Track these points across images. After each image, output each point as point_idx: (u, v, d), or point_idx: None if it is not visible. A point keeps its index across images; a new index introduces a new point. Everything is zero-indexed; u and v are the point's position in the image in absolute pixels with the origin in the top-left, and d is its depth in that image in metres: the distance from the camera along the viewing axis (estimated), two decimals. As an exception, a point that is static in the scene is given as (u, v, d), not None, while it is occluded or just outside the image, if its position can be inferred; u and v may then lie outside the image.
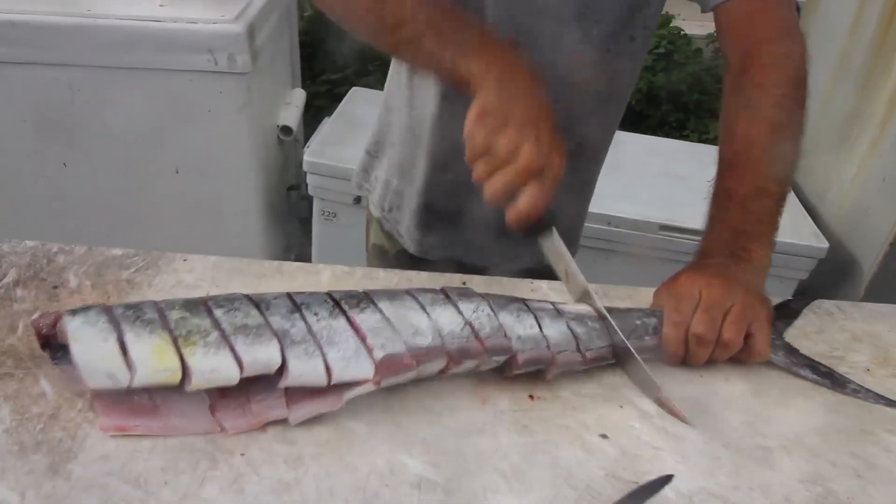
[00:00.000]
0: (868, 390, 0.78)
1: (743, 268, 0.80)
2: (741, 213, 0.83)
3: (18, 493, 0.56)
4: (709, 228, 0.86)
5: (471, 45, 0.77)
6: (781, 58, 0.87)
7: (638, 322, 0.79)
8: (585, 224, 1.21)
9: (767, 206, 0.84)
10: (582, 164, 1.05)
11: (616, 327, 0.76)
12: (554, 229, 0.79)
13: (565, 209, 0.81)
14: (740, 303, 0.77)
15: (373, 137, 1.15)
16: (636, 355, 0.74)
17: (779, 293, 0.90)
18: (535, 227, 0.78)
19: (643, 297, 0.88)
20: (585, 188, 1.13)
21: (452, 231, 1.09)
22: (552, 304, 0.78)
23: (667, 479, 0.62)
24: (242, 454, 0.62)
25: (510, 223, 0.77)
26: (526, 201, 0.75)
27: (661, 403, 0.73)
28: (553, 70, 0.94)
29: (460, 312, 0.72)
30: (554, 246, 0.80)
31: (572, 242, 1.15)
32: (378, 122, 1.14)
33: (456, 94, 0.79)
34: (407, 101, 1.05)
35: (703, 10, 0.92)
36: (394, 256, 1.17)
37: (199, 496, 0.58)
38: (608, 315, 0.77)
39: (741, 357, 0.78)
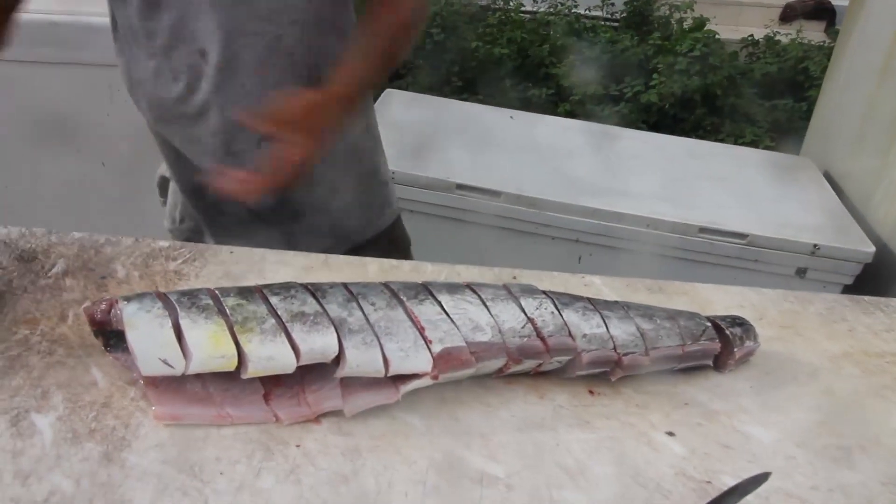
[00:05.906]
0: None
1: None
2: None
3: (73, 480, 0.54)
4: None
5: None
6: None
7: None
8: (623, 226, 1.17)
9: None
10: None
11: None
12: None
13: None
14: None
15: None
16: None
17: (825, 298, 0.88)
18: None
19: (698, 292, 0.85)
20: None
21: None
22: (622, 303, 0.74)
23: (763, 478, 0.58)
24: (298, 445, 0.60)
25: None
26: None
27: None
28: None
29: (522, 309, 0.69)
30: None
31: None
32: None
33: None
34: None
35: None
36: None
37: (255, 486, 0.56)
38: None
39: None
